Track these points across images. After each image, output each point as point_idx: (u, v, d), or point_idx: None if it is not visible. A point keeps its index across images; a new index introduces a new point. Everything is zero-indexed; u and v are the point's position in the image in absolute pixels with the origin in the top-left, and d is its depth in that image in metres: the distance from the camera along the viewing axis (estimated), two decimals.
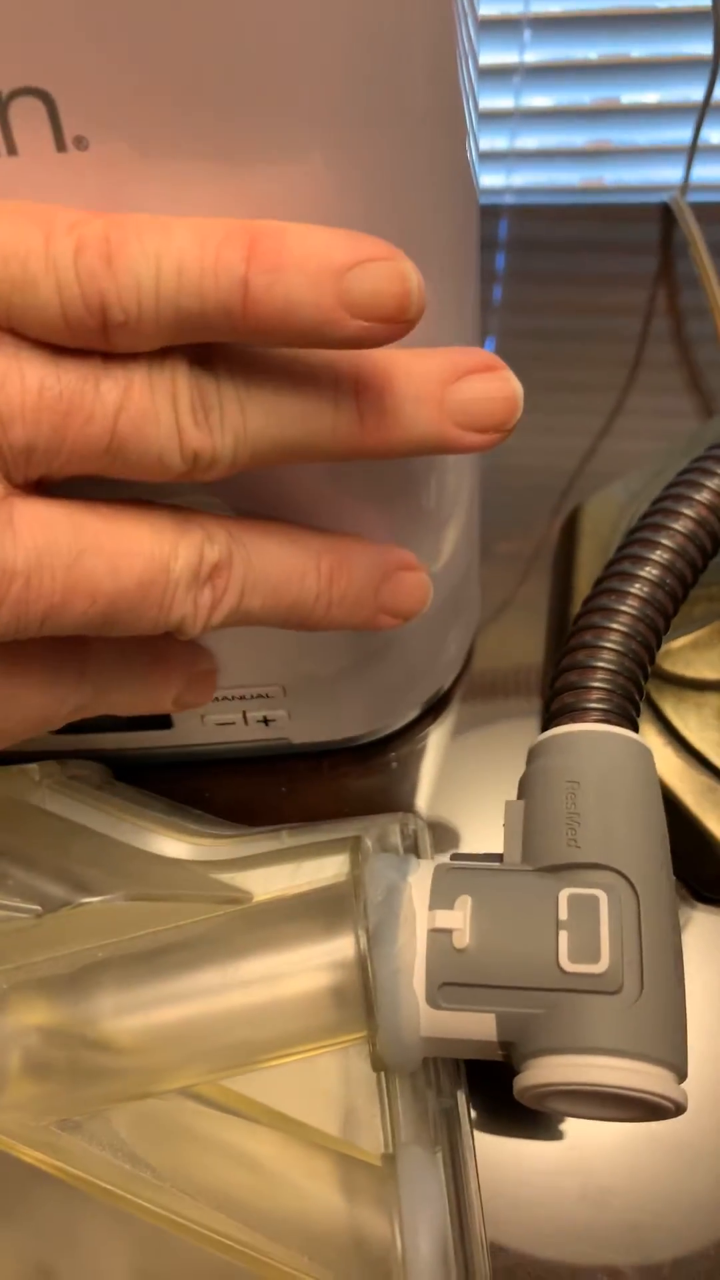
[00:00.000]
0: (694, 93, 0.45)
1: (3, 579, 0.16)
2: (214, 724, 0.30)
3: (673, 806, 0.28)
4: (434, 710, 0.34)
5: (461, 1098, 0.24)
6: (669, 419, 0.42)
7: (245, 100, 0.16)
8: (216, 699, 0.29)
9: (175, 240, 0.16)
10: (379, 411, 0.18)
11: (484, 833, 0.32)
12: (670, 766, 0.28)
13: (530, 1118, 0.27)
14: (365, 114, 0.17)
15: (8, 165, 0.16)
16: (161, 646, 0.22)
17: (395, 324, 0.16)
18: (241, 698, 0.29)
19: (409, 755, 0.33)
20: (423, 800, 0.33)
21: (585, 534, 0.33)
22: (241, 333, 0.16)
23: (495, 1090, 0.26)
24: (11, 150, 0.16)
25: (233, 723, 0.30)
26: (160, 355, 0.16)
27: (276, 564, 0.19)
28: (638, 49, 0.48)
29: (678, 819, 0.28)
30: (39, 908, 0.20)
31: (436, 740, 0.34)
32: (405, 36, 0.17)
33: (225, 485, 0.19)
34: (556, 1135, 0.27)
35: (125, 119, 0.16)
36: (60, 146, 0.16)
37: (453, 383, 0.18)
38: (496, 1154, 0.26)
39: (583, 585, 0.32)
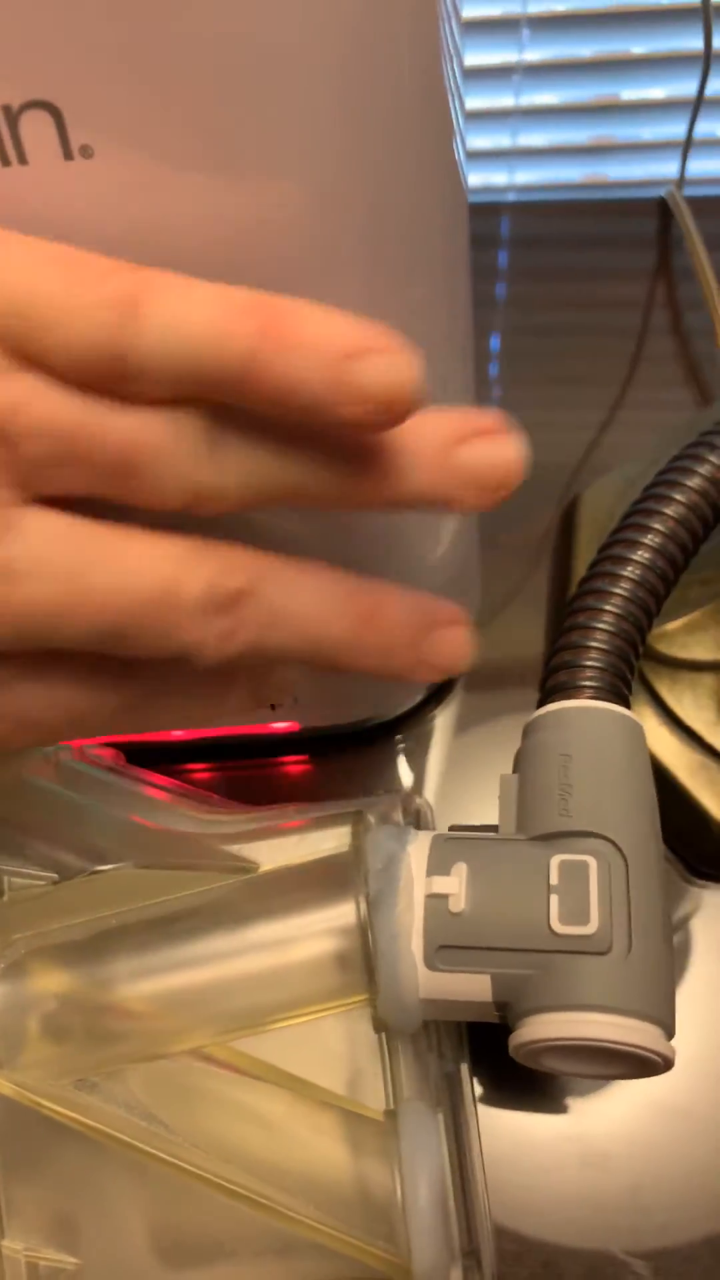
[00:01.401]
0: (691, 88, 0.46)
1: (5, 580, 0.17)
2: None
3: (668, 784, 0.29)
4: (438, 695, 0.35)
5: (464, 1065, 0.25)
6: (667, 410, 0.42)
7: (239, 110, 0.17)
8: None
9: (196, 305, 0.16)
10: (384, 468, 0.18)
11: (487, 813, 0.33)
12: (666, 746, 0.29)
13: (531, 1087, 0.28)
14: (356, 119, 0.18)
15: (20, 174, 0.17)
16: None
17: (393, 413, 0.17)
18: None
19: (413, 739, 0.34)
20: (428, 782, 0.33)
21: (583, 522, 0.34)
22: (247, 400, 0.17)
23: (497, 1061, 0.27)
24: (22, 160, 0.17)
25: None
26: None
27: (304, 604, 0.19)
28: (635, 45, 0.49)
29: (673, 797, 0.29)
30: (55, 875, 0.21)
31: (441, 725, 0.35)
32: (392, 42, 0.18)
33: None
34: (558, 1104, 0.27)
35: (127, 129, 0.17)
36: (68, 155, 0.17)
37: (458, 445, 0.19)
38: (498, 1123, 0.27)
39: (580, 572, 0.32)
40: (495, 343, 0.46)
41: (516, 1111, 0.27)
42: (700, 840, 0.29)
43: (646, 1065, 0.20)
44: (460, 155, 0.22)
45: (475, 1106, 0.25)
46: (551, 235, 0.50)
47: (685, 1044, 0.27)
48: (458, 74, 0.21)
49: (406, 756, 0.34)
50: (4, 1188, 0.19)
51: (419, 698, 0.34)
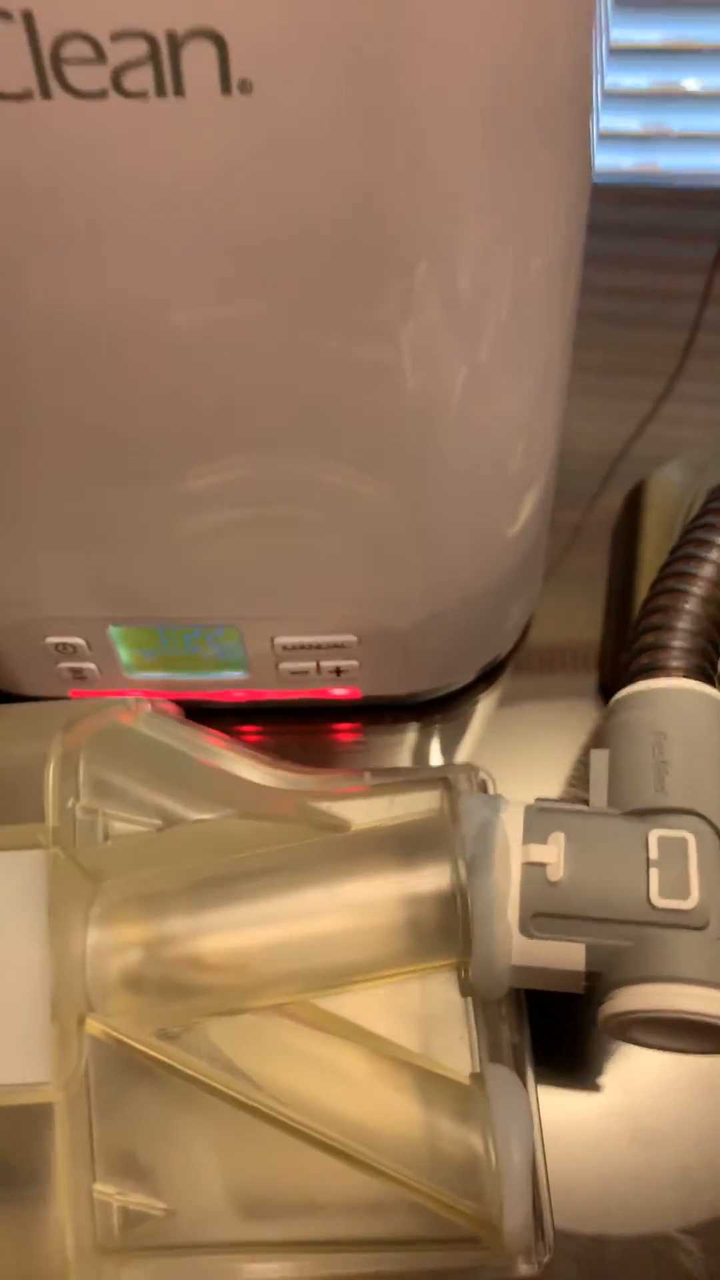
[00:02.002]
0: None
1: None
2: (288, 673, 0.31)
3: None
4: (489, 676, 0.35)
5: (526, 1036, 0.25)
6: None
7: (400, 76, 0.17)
8: (292, 648, 0.30)
9: None
10: None
11: (538, 788, 0.33)
12: None
13: (581, 1064, 0.28)
14: (501, 99, 0.18)
15: (175, 105, 0.17)
16: None
17: None
18: (318, 647, 0.30)
19: (463, 715, 0.34)
20: (480, 758, 0.33)
21: (650, 507, 0.34)
22: None
23: (548, 1037, 0.27)
24: (179, 91, 0.17)
25: (305, 672, 0.31)
26: None
27: None
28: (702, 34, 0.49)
29: None
30: (159, 821, 0.21)
31: (493, 700, 0.34)
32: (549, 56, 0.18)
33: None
34: (607, 1080, 0.27)
35: (292, 65, 0.17)
36: (225, 90, 0.17)
37: None
38: (549, 1099, 0.27)
39: (648, 554, 0.33)
40: None
41: (567, 1090, 0.27)
42: None
43: None
44: (594, 132, 0.22)
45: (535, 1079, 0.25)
46: (614, 221, 0.49)
47: None
48: (605, 49, 0.20)
49: (457, 731, 0.34)
50: (96, 1133, 0.19)
51: (473, 676, 0.34)
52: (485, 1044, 0.22)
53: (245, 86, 0.17)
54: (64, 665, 0.30)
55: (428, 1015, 0.21)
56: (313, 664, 0.30)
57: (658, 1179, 0.26)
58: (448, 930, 0.21)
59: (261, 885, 0.21)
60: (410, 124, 0.18)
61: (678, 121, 0.52)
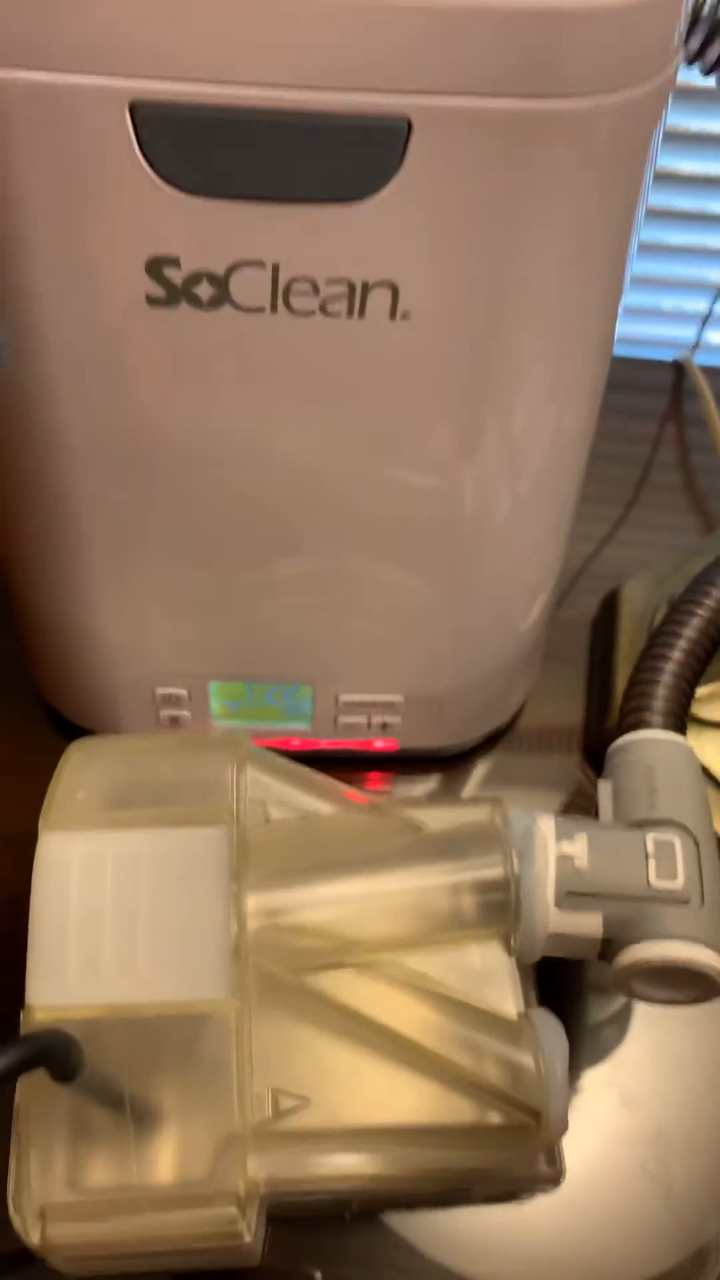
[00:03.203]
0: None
1: None
2: (344, 726, 0.38)
3: None
4: (495, 735, 0.43)
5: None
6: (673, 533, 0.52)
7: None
8: (351, 704, 0.37)
9: None
10: None
11: None
12: None
13: (575, 1040, 0.35)
14: (567, 310, 0.27)
15: (357, 324, 0.26)
16: None
17: None
18: (372, 704, 0.37)
19: (467, 766, 0.42)
20: None
21: (624, 610, 0.43)
22: None
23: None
24: (362, 315, 0.25)
25: (358, 726, 0.38)
26: None
27: None
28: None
29: None
30: (293, 812, 0.28)
31: (497, 759, 0.42)
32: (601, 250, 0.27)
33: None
34: (599, 1056, 0.35)
35: (435, 309, 0.25)
36: (393, 317, 0.26)
37: None
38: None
39: (624, 646, 0.42)
40: None
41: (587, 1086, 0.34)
42: None
43: (712, 987, 0.27)
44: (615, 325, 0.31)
45: None
46: None
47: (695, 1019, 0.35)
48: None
49: (463, 784, 0.42)
50: (254, 1041, 0.25)
51: (496, 728, 0.42)
52: (524, 998, 0.29)
53: (405, 315, 0.26)
54: (165, 712, 0.38)
55: (485, 971, 0.28)
56: (364, 718, 0.38)
57: (637, 1135, 0.33)
58: (501, 905, 0.28)
59: (360, 869, 0.28)
60: (507, 347, 0.27)
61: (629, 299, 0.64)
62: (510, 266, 0.25)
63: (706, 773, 0.38)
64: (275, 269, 0.25)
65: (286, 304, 0.25)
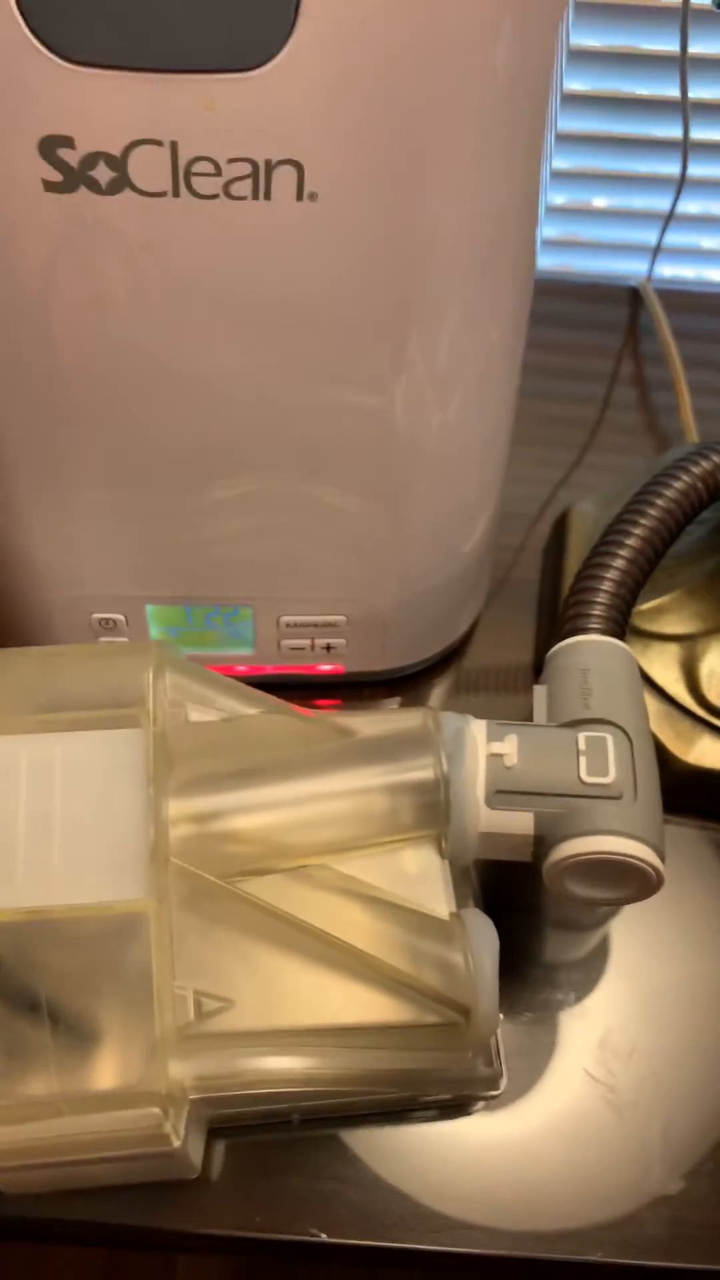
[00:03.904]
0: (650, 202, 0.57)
1: None
2: (288, 649, 0.38)
3: None
4: (446, 661, 0.42)
5: None
6: (633, 455, 0.52)
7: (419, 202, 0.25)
8: (294, 625, 0.37)
9: None
10: None
11: None
12: None
13: (549, 981, 0.34)
14: (482, 206, 0.26)
15: (264, 207, 0.25)
16: None
17: None
18: (314, 625, 0.37)
19: (423, 692, 0.41)
20: None
21: (573, 529, 0.42)
22: None
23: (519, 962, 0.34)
24: (268, 197, 0.25)
25: (302, 649, 0.38)
26: None
27: None
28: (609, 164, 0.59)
29: None
30: (221, 714, 0.27)
31: (444, 683, 0.42)
32: (512, 154, 0.26)
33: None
34: (571, 996, 0.34)
35: (344, 187, 0.25)
36: (299, 198, 0.25)
37: None
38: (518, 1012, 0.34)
39: (573, 565, 0.41)
40: None
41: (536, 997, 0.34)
42: (661, 774, 0.37)
43: (645, 882, 0.27)
44: (539, 236, 0.30)
45: None
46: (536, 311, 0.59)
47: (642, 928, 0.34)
48: (549, 170, 0.29)
49: (421, 703, 0.41)
50: (176, 945, 0.25)
51: (433, 658, 0.41)
52: (457, 900, 0.28)
53: (313, 197, 0.25)
54: (104, 639, 0.37)
55: (416, 874, 0.28)
56: (308, 641, 0.37)
57: (585, 1040, 0.33)
58: (433, 807, 0.28)
59: (287, 775, 0.28)
60: (419, 236, 0.26)
61: (586, 232, 0.63)
62: (418, 142, 0.24)
63: (653, 684, 0.37)
64: (174, 147, 0.24)
65: (189, 186, 0.24)
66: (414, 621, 0.38)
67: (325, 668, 0.39)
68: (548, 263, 0.64)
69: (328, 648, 0.38)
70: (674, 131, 0.51)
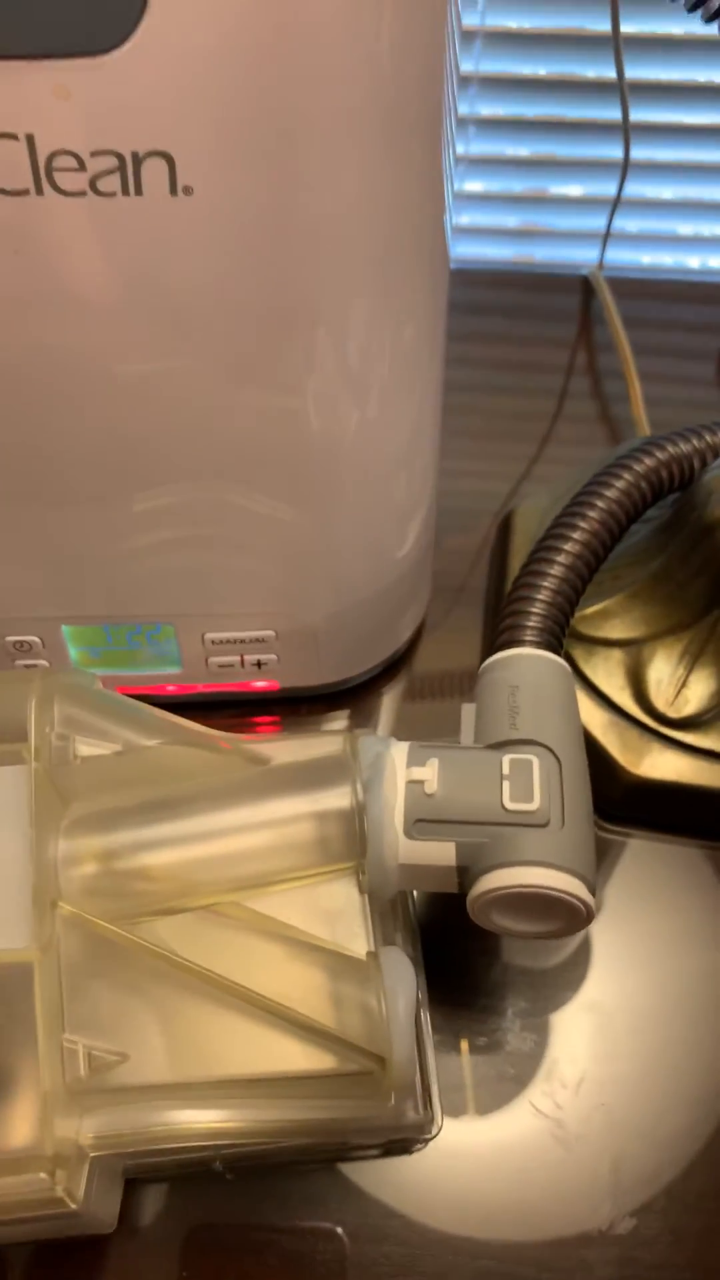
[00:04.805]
0: (605, 189, 0.54)
1: None
2: (216, 666, 0.36)
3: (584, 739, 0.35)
4: (392, 667, 0.40)
5: (418, 951, 0.30)
6: (585, 450, 0.50)
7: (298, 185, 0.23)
8: (219, 642, 0.35)
9: None
10: None
11: None
12: (581, 705, 0.35)
13: (491, 1015, 0.32)
14: (376, 190, 0.24)
15: (135, 202, 0.23)
16: None
17: None
18: (242, 641, 0.35)
19: (370, 703, 0.40)
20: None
21: (517, 530, 0.40)
22: None
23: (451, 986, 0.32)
24: (139, 192, 0.23)
25: (231, 665, 0.36)
26: None
27: None
28: (559, 150, 0.57)
29: (588, 749, 0.35)
30: (119, 747, 0.25)
31: (394, 693, 0.40)
32: (409, 139, 0.24)
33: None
34: (514, 1025, 0.32)
35: (219, 179, 0.23)
36: (174, 192, 0.23)
37: None
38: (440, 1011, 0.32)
39: (514, 569, 0.39)
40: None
41: (458, 1005, 0.32)
42: (609, 786, 0.35)
43: (574, 916, 0.25)
44: (449, 229, 0.28)
45: (426, 993, 0.29)
46: (489, 304, 0.57)
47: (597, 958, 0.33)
48: (453, 160, 0.27)
49: (364, 721, 0.39)
50: (66, 996, 0.23)
51: (381, 667, 0.39)
52: (380, 936, 0.27)
53: (188, 191, 0.23)
54: (21, 663, 0.35)
55: (335, 910, 0.26)
56: (237, 658, 0.36)
57: (532, 1070, 0.31)
58: (349, 838, 0.26)
59: (197, 807, 0.26)
60: (308, 227, 0.24)
61: (546, 220, 0.61)
62: (292, 127, 0.22)
63: (598, 692, 0.35)
64: (31, 141, 0.22)
65: (52, 183, 0.22)
66: (349, 633, 0.36)
67: (260, 684, 0.37)
68: (506, 253, 0.62)
69: (259, 664, 0.36)
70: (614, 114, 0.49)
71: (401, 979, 0.25)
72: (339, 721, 0.39)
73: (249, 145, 0.22)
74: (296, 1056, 0.24)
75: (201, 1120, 0.24)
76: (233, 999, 0.24)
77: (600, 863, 0.36)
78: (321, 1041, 0.24)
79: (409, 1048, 0.24)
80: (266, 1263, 0.28)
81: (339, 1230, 0.29)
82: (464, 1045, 0.32)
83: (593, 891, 0.25)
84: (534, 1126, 0.30)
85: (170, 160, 0.22)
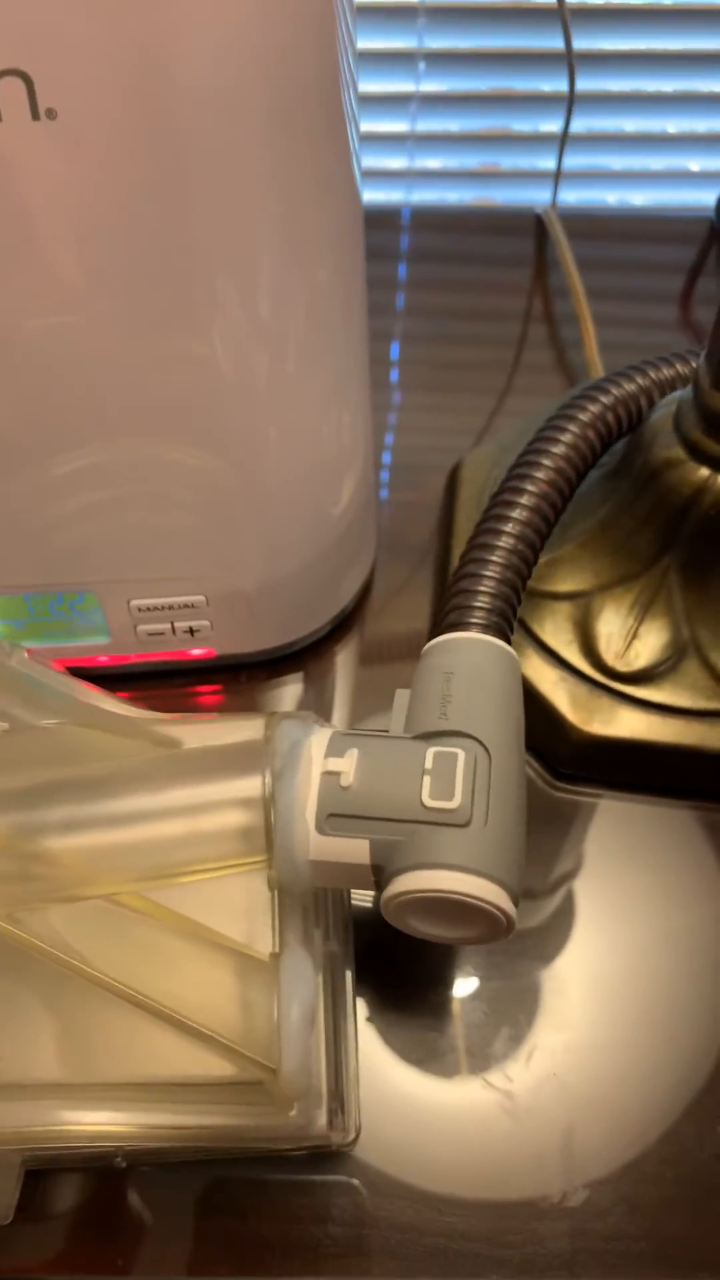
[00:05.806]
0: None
1: None
2: (146, 634, 0.32)
3: (532, 696, 0.31)
4: (340, 629, 0.37)
5: (348, 948, 0.27)
6: (540, 396, 0.45)
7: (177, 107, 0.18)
8: (145, 609, 0.31)
9: None
10: None
11: (374, 728, 0.34)
12: (530, 662, 0.32)
13: (439, 986, 0.30)
14: (268, 133, 0.20)
15: None
16: None
17: None
18: (170, 608, 0.31)
19: (318, 667, 0.36)
20: (331, 707, 0.35)
21: (463, 483, 0.36)
22: None
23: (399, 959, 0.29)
24: None
25: (162, 633, 0.32)
26: None
27: None
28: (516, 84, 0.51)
29: (536, 705, 0.31)
30: (5, 725, 0.22)
31: (343, 658, 0.36)
32: (300, 75, 0.20)
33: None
34: (452, 987, 0.30)
35: (84, 103, 0.18)
36: (35, 116, 0.18)
37: None
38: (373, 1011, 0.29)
39: (461, 525, 0.35)
40: (394, 349, 0.48)
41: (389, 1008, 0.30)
42: (558, 742, 0.32)
43: (493, 925, 0.22)
44: (356, 169, 0.24)
45: (354, 993, 0.27)
46: (445, 250, 0.52)
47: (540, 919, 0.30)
48: (354, 101, 0.22)
49: (311, 687, 0.36)
50: None
51: (325, 630, 0.36)
52: (298, 936, 0.24)
53: (51, 114, 0.19)
54: None
55: (249, 907, 0.23)
56: (168, 625, 0.32)
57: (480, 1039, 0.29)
58: (259, 832, 0.22)
59: (96, 791, 0.23)
60: (192, 156, 0.20)
61: (508, 160, 0.55)
62: (159, 45, 0.18)
63: (545, 647, 0.32)
64: None
65: None
66: (285, 597, 0.33)
67: (196, 652, 0.34)
68: (464, 195, 0.56)
69: (191, 631, 0.32)
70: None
71: (299, 984, 0.22)
72: (294, 686, 0.36)
73: (116, 63, 0.18)
74: (191, 1061, 0.21)
75: (88, 1122, 0.22)
76: (118, 1000, 0.21)
77: (552, 826, 0.33)
78: (211, 1045, 0.21)
79: (301, 1056, 0.21)
80: (207, 1248, 0.26)
81: (283, 1211, 0.26)
82: (410, 1017, 0.29)
83: (516, 899, 0.22)
84: (483, 1099, 0.28)
85: (28, 80, 0.18)
